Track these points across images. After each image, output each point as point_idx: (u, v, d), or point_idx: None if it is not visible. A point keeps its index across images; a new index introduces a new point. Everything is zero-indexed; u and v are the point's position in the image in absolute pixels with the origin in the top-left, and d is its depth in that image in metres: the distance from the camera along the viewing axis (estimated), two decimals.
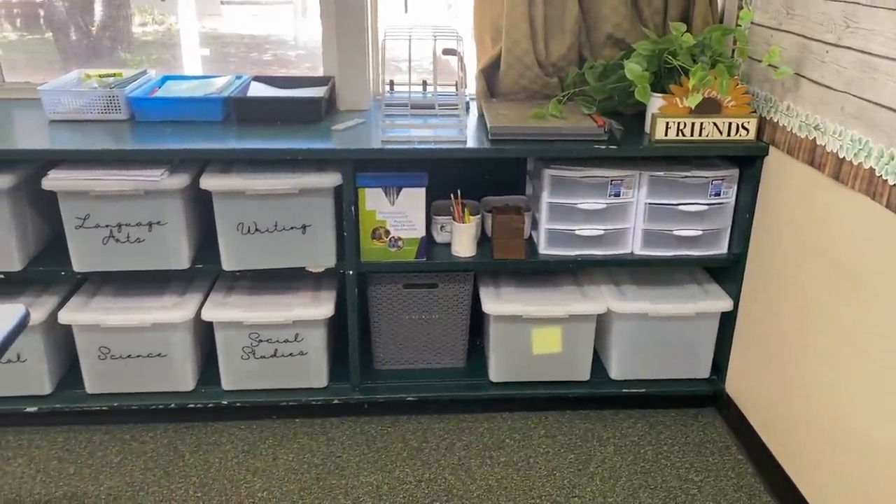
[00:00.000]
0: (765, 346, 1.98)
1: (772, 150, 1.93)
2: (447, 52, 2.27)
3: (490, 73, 2.26)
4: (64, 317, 2.01)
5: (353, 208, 1.97)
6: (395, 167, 2.00)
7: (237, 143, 1.91)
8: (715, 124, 1.94)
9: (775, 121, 1.89)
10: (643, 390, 2.21)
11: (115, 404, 2.10)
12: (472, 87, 2.33)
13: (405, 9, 2.35)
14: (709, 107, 1.93)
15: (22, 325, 1.33)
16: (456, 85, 2.17)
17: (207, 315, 2.04)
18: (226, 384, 2.14)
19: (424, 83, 2.32)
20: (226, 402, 2.12)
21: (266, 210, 1.95)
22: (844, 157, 1.59)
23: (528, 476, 1.99)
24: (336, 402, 2.16)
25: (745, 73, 2.04)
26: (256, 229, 1.97)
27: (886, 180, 1.46)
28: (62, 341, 2.14)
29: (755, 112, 1.97)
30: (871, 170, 1.50)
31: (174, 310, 2.04)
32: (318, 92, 2.20)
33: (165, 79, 2.32)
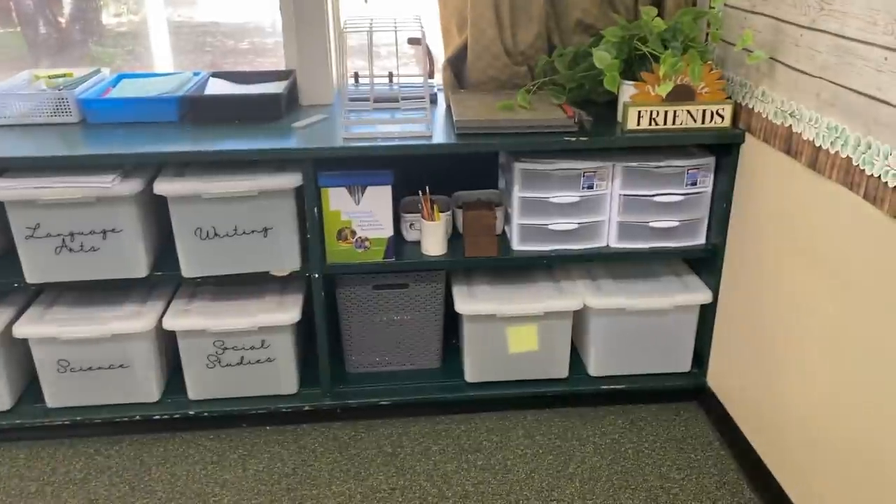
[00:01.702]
0: (745, 338, 1.93)
1: (748, 137, 1.86)
2: (412, 41, 2.19)
3: (457, 63, 2.18)
4: (19, 330, 1.94)
5: (315, 209, 1.90)
6: (360, 164, 1.92)
7: (192, 145, 1.83)
8: (689, 112, 1.87)
9: (751, 107, 1.82)
10: (623, 386, 2.16)
11: (78, 418, 2.03)
12: (439, 78, 2.25)
13: None
14: (682, 94, 1.86)
15: None
16: (422, 76, 2.09)
17: (169, 324, 1.97)
18: (192, 394, 2.07)
19: (391, 74, 2.24)
20: (192, 412, 2.06)
21: (225, 214, 1.88)
22: (821, 146, 1.53)
23: (505, 479, 1.94)
24: (307, 408, 2.10)
25: (720, 57, 1.97)
26: (216, 234, 1.90)
27: (864, 170, 1.39)
28: (21, 355, 2.07)
29: (730, 98, 1.90)
30: (848, 158, 1.44)
31: (134, 319, 1.97)
32: (278, 88, 2.11)
33: (120, 77, 2.23)
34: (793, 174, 1.65)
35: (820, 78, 1.52)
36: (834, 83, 1.48)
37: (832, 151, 1.49)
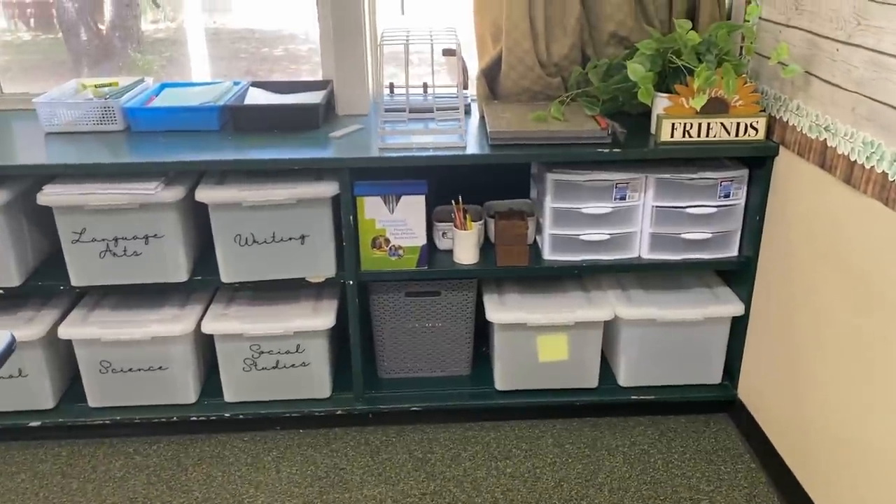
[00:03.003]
0: (777, 351, 1.92)
1: (782, 150, 1.86)
2: (447, 52, 2.22)
3: (491, 74, 2.21)
4: (63, 332, 2.00)
5: (351, 218, 1.93)
6: (395, 174, 1.95)
7: (233, 154, 1.88)
8: (722, 124, 1.88)
9: (785, 120, 1.82)
10: (653, 397, 2.16)
11: (118, 418, 2.09)
12: (473, 89, 2.28)
13: (402, 10, 2.30)
14: (716, 106, 1.87)
15: (8, 353, 1.31)
16: (457, 87, 2.12)
17: (207, 328, 2.02)
18: (228, 396, 2.12)
19: (425, 85, 2.27)
20: (228, 415, 2.10)
21: (263, 221, 1.92)
22: (856, 161, 1.53)
23: (534, 487, 1.95)
24: (340, 412, 2.13)
25: (755, 70, 1.98)
26: (254, 240, 1.94)
27: None
28: (64, 355, 2.13)
29: (764, 111, 1.90)
30: (884, 174, 1.44)
31: (174, 323, 2.02)
32: (315, 98, 2.16)
33: (163, 86, 2.30)
34: (827, 188, 1.65)
35: (856, 93, 1.52)
36: (870, 98, 1.48)
37: (868, 166, 1.49)
